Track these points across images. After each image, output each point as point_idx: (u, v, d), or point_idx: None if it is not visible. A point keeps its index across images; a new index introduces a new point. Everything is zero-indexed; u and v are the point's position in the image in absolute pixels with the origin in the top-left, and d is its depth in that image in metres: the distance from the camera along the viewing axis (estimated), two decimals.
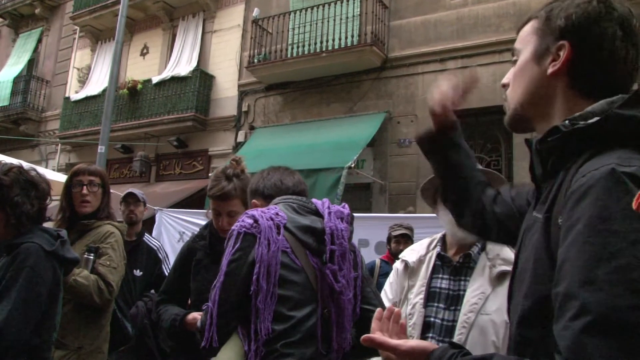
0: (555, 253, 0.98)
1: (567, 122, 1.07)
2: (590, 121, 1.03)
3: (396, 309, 1.29)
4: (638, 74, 1.16)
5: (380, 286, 3.81)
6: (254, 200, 2.11)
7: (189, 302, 2.90)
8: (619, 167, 0.92)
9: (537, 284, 1.04)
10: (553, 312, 0.93)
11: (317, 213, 1.98)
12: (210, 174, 11.87)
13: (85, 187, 3.13)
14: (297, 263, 1.84)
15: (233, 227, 1.85)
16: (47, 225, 2.58)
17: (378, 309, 1.34)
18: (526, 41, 1.24)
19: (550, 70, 1.16)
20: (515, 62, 1.28)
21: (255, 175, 2.23)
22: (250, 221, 1.82)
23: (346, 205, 2.09)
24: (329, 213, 1.97)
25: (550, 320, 0.94)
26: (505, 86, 1.31)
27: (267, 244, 1.78)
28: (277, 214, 1.87)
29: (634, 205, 0.86)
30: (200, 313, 2.61)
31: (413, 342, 1.16)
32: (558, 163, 1.09)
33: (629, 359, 0.81)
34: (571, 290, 0.89)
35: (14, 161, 2.59)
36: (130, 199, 4.70)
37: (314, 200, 2.05)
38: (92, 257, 2.98)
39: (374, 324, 1.27)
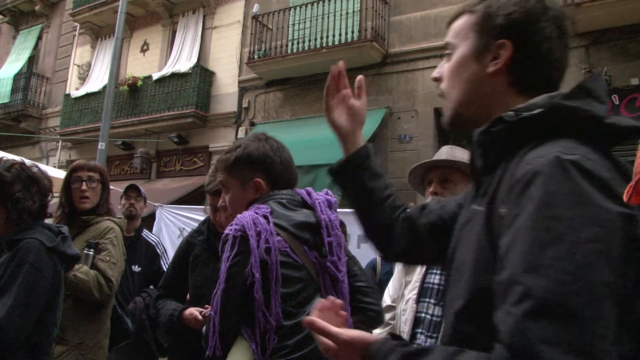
0: (496, 243, 0.97)
1: (511, 112, 1.06)
2: (535, 112, 1.03)
3: (337, 301, 1.26)
4: (565, 73, 1.18)
5: (382, 285, 3.81)
6: (258, 180, 1.98)
7: (188, 297, 2.90)
8: (563, 155, 0.92)
9: (477, 275, 1.03)
10: (492, 303, 0.92)
11: (304, 204, 1.97)
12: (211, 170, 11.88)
13: (84, 183, 3.13)
14: (297, 261, 1.84)
15: (228, 231, 1.81)
16: (47, 221, 2.58)
17: (320, 300, 1.29)
18: (462, 37, 1.21)
19: (491, 69, 1.15)
20: (449, 55, 1.25)
21: (257, 141, 2.04)
22: (245, 223, 1.78)
23: (329, 192, 2.08)
24: (319, 204, 1.96)
25: (490, 313, 0.92)
26: (437, 80, 1.28)
27: (264, 245, 1.76)
28: (266, 215, 1.83)
29: (624, 197, 0.86)
30: (198, 308, 2.62)
31: (354, 332, 1.13)
32: (500, 155, 1.08)
33: (571, 343, 0.81)
34: (514, 276, 0.89)
35: (16, 158, 2.59)
36: (131, 193, 4.70)
37: (297, 190, 2.02)
38: (91, 253, 2.99)
39: (315, 315, 1.21)
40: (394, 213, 1.49)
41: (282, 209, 1.90)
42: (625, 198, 0.85)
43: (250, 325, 1.77)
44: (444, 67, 1.26)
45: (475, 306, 1.02)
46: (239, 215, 1.83)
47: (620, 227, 0.87)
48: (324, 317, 1.20)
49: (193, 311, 2.59)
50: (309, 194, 2.01)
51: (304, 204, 1.98)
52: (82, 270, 2.86)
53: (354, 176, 1.53)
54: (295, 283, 1.81)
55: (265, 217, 1.81)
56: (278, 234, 1.81)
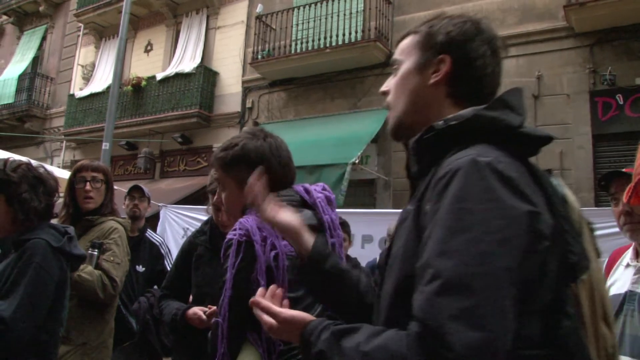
0: (422, 236, 1.08)
1: (441, 122, 1.18)
2: (459, 120, 1.16)
3: (278, 290, 1.35)
4: (499, 89, 1.31)
5: None
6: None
7: (190, 297, 2.91)
8: (478, 157, 1.04)
9: (404, 265, 1.13)
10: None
11: (304, 203, 1.93)
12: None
13: (88, 183, 3.15)
14: None
15: (232, 236, 1.77)
16: (52, 221, 2.59)
17: (260, 288, 1.36)
18: (407, 53, 1.35)
19: (431, 81, 1.29)
20: (395, 70, 1.38)
21: (254, 138, 1.99)
22: (249, 228, 1.75)
23: (326, 186, 2.04)
24: (319, 203, 1.93)
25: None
26: (385, 93, 1.40)
27: (270, 249, 1.74)
28: None
29: (624, 199, 0.90)
30: (201, 308, 2.61)
31: (294, 311, 1.25)
32: (431, 160, 1.19)
33: (471, 316, 0.91)
34: (428, 260, 1.00)
35: (22, 158, 2.60)
36: (135, 193, 4.71)
37: (296, 188, 1.98)
38: (95, 253, 3.00)
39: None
40: (369, 289, 1.49)
41: None
42: (625, 199, 0.90)
43: (257, 330, 1.74)
44: (390, 82, 1.40)
45: (402, 292, 1.11)
46: (241, 220, 1.80)
47: (523, 222, 0.98)
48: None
49: (197, 311, 2.58)
50: (307, 191, 1.96)
51: (303, 203, 1.93)
52: (86, 271, 2.87)
53: (321, 271, 1.46)
54: (300, 287, 1.80)
55: None
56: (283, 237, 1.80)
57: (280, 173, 1.97)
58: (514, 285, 0.94)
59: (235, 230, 1.77)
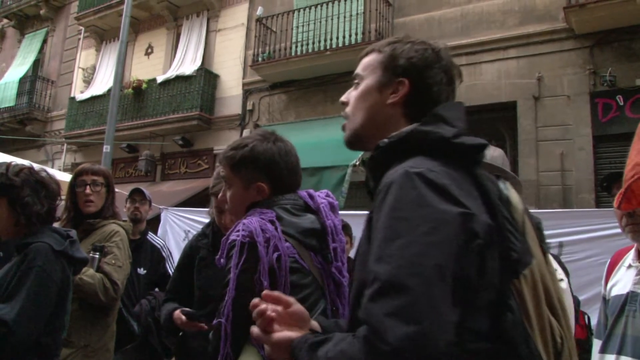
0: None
1: (386, 140, 1.28)
2: (398, 137, 1.26)
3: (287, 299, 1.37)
4: None
5: None
6: (261, 184, 1.94)
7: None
8: (410, 169, 1.14)
9: (360, 270, 1.22)
10: None
11: (307, 208, 1.94)
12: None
13: (88, 187, 3.15)
14: (305, 267, 1.83)
15: (234, 237, 1.76)
16: (54, 225, 2.60)
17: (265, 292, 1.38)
18: (370, 70, 1.44)
19: (390, 101, 1.39)
20: (356, 84, 1.47)
21: (264, 141, 1.98)
22: (253, 229, 1.74)
23: (329, 193, 2.05)
24: (323, 208, 1.94)
25: None
26: (344, 104, 1.51)
27: (273, 251, 1.73)
28: (272, 221, 1.80)
29: (614, 204, 0.94)
30: (185, 309, 2.64)
31: (281, 333, 1.29)
32: (382, 174, 1.25)
33: (405, 312, 0.98)
34: (369, 266, 1.10)
35: (24, 162, 2.61)
36: (136, 196, 4.72)
37: (300, 193, 1.99)
38: (97, 256, 3.00)
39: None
40: None
41: (288, 215, 1.86)
42: (615, 204, 0.92)
43: None
44: (351, 94, 1.49)
45: (359, 295, 1.17)
46: (244, 221, 1.79)
47: (454, 223, 1.07)
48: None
49: (177, 312, 2.64)
50: (311, 196, 1.97)
51: (306, 208, 1.95)
52: (87, 274, 2.87)
53: None
54: (302, 289, 1.79)
55: (272, 222, 1.79)
56: (286, 240, 1.79)
57: (287, 178, 1.97)
58: (446, 281, 1.02)
59: (238, 231, 1.76)
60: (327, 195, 2.04)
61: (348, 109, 1.49)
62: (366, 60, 1.48)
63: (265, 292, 1.36)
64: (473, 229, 1.09)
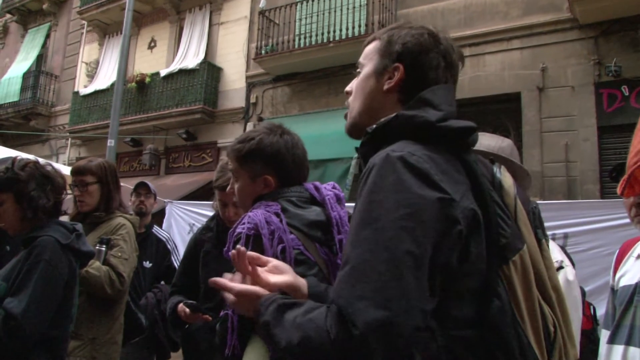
0: None
1: (373, 126, 1.28)
2: (385, 120, 1.26)
3: (257, 256, 1.39)
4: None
5: None
6: (267, 177, 1.95)
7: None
8: (392, 153, 1.12)
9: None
10: None
11: (313, 200, 1.95)
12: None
13: (76, 188, 3.14)
14: (310, 258, 1.84)
15: (240, 230, 1.77)
16: (62, 219, 2.61)
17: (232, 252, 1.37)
18: (369, 58, 1.43)
19: (385, 87, 1.37)
20: (358, 73, 1.46)
21: (271, 134, 1.99)
22: (257, 222, 1.75)
23: (336, 185, 2.06)
24: (329, 200, 1.95)
25: None
26: (348, 94, 1.50)
27: (278, 243, 1.74)
28: (277, 213, 1.80)
29: (618, 190, 0.93)
30: (188, 302, 2.67)
31: (249, 286, 1.29)
32: None
33: (375, 297, 0.99)
34: (345, 248, 1.11)
35: (30, 157, 2.62)
36: (141, 190, 4.73)
37: (305, 185, 2.00)
38: (103, 249, 3.02)
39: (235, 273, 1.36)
40: None
41: (293, 208, 1.87)
42: (618, 191, 0.91)
43: None
44: (353, 83, 1.48)
45: None
46: (249, 214, 1.80)
47: (432, 209, 1.06)
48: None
49: (181, 305, 2.69)
50: (317, 189, 1.98)
51: (312, 200, 1.95)
52: (93, 266, 2.89)
53: None
54: (309, 279, 1.81)
55: (277, 214, 1.80)
56: (291, 232, 1.80)
57: (294, 171, 1.99)
58: (418, 268, 1.02)
59: (243, 224, 1.78)
60: (334, 188, 2.04)
61: (350, 98, 1.49)
62: (367, 48, 1.47)
63: (241, 250, 1.33)
64: (452, 214, 1.08)
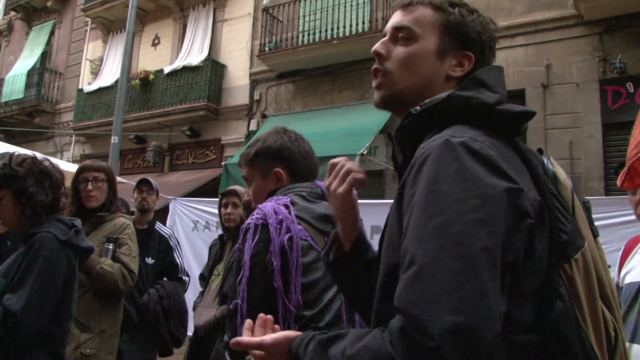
0: (403, 223, 1.04)
1: (418, 107, 1.15)
2: (433, 102, 1.13)
3: (268, 317, 1.24)
4: None
5: None
6: (278, 170, 2.02)
7: None
8: (452, 138, 1.00)
9: (389, 253, 1.10)
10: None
11: (324, 197, 1.98)
12: (223, 163, 11.77)
13: (90, 183, 3.28)
14: (318, 249, 1.85)
15: (249, 220, 1.84)
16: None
17: (248, 321, 1.25)
18: (428, 30, 1.24)
19: (452, 74, 1.23)
20: (404, 39, 1.26)
21: (275, 133, 2.09)
22: (267, 212, 1.81)
23: None
24: None
25: None
26: (380, 56, 1.29)
27: (285, 232, 1.78)
28: (287, 204, 1.85)
29: (618, 183, 0.89)
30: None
31: (277, 334, 1.16)
32: (414, 147, 1.13)
33: (450, 300, 0.86)
34: (406, 247, 0.96)
35: (28, 152, 2.63)
36: (143, 187, 4.73)
37: (317, 182, 2.05)
38: (111, 247, 3.17)
39: (246, 334, 1.21)
40: None
41: (302, 201, 1.92)
42: (618, 183, 0.88)
43: (274, 319, 1.77)
44: (392, 48, 1.28)
45: (388, 284, 1.06)
46: (259, 205, 1.87)
47: (502, 200, 0.94)
48: (257, 335, 1.21)
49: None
50: None
51: (323, 197, 1.99)
52: (107, 263, 3.06)
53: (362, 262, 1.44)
54: (315, 271, 1.83)
55: (286, 206, 1.84)
56: (300, 224, 1.83)
57: (302, 162, 2.06)
58: (495, 265, 0.90)
59: (253, 215, 1.84)
60: None
61: (391, 65, 1.26)
62: (421, 13, 1.26)
63: (233, 341, 1.18)
64: (522, 206, 0.97)
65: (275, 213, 1.80)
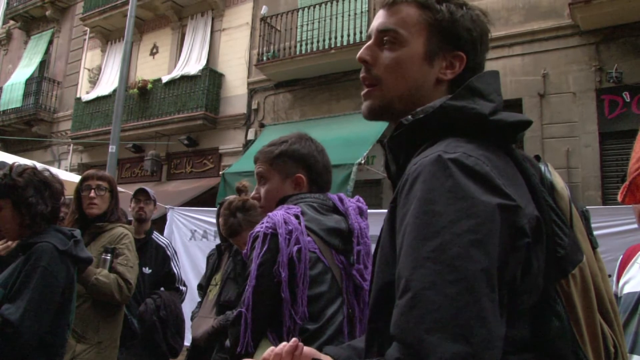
0: (395, 239, 1.00)
1: (409, 116, 1.09)
2: (425, 113, 1.07)
3: (300, 344, 1.15)
4: None
5: None
6: (300, 176, 2.01)
7: None
8: (445, 154, 0.95)
9: (382, 270, 1.05)
10: (394, 297, 0.93)
11: (335, 210, 1.98)
12: (221, 172, 11.74)
13: (93, 191, 3.29)
14: (325, 263, 1.84)
15: (257, 228, 1.82)
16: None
17: (271, 349, 1.15)
18: (414, 31, 1.16)
19: (442, 77, 1.16)
20: (390, 43, 1.18)
21: (303, 139, 2.07)
22: (277, 222, 1.80)
23: (360, 199, 2.10)
24: (351, 211, 1.98)
25: (392, 307, 0.93)
26: (366, 63, 1.21)
27: (295, 243, 1.77)
28: (297, 215, 1.84)
29: (619, 198, 0.87)
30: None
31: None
32: (407, 157, 1.10)
33: (449, 327, 0.83)
34: (400, 269, 0.92)
35: (28, 162, 2.63)
36: (140, 196, 4.73)
37: (329, 195, 2.04)
38: (109, 257, 3.16)
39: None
40: None
41: (313, 212, 1.90)
42: (619, 198, 0.87)
43: (277, 331, 1.77)
44: (379, 53, 1.20)
45: (381, 301, 1.03)
46: (270, 214, 1.85)
47: (498, 219, 0.90)
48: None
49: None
50: (341, 200, 2.02)
51: (334, 210, 1.99)
52: (103, 274, 3.04)
53: None
54: (320, 284, 1.82)
55: (296, 216, 1.83)
56: (308, 235, 1.82)
57: (323, 174, 2.06)
58: (493, 288, 0.86)
59: (262, 223, 1.83)
60: (358, 200, 2.09)
61: (379, 72, 1.19)
62: (407, 13, 1.18)
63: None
64: (519, 224, 0.92)
65: (286, 223, 1.79)
